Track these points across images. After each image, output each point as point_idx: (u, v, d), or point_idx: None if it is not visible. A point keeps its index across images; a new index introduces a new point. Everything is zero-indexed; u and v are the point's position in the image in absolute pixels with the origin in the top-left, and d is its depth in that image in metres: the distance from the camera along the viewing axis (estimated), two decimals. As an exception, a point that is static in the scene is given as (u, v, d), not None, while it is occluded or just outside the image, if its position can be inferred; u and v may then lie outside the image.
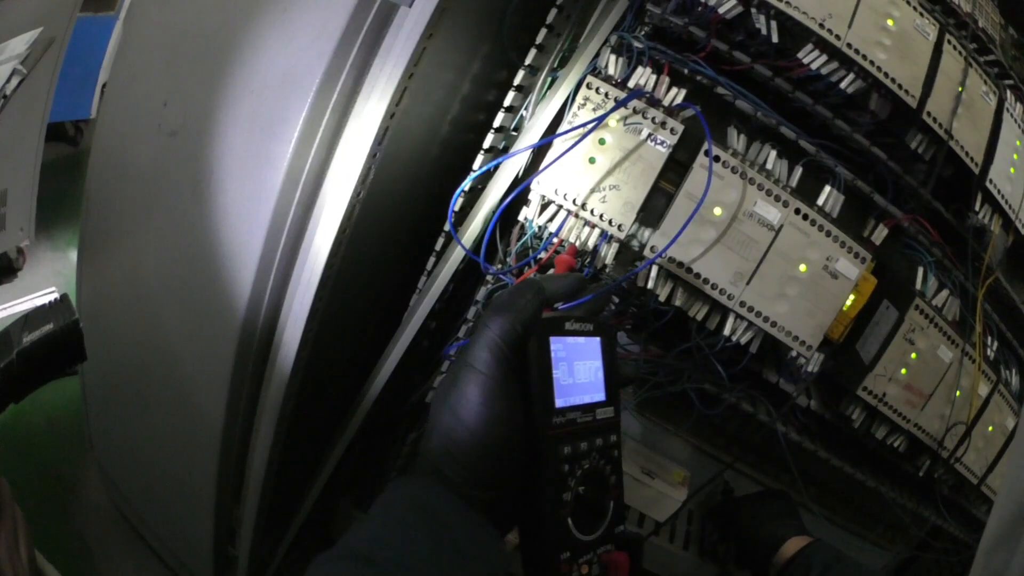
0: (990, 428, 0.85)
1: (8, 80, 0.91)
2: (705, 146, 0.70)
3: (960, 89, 0.80)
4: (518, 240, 0.77)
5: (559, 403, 0.50)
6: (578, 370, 0.52)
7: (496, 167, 0.79)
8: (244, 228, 0.73)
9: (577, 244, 0.72)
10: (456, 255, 0.79)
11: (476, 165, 0.79)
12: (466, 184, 0.78)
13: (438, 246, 0.82)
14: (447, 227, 0.80)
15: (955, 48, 0.81)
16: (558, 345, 0.51)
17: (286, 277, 0.76)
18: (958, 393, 0.81)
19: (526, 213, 0.75)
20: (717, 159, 0.71)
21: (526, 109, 0.80)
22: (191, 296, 0.81)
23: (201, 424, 0.87)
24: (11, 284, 1.40)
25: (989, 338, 0.85)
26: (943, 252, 0.82)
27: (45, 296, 1.36)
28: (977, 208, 0.81)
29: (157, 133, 0.78)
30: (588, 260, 0.73)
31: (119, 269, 0.88)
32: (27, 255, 1.44)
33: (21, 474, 1.08)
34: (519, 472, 0.49)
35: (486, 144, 0.79)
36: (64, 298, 0.62)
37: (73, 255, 1.44)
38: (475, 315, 0.82)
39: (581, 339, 0.53)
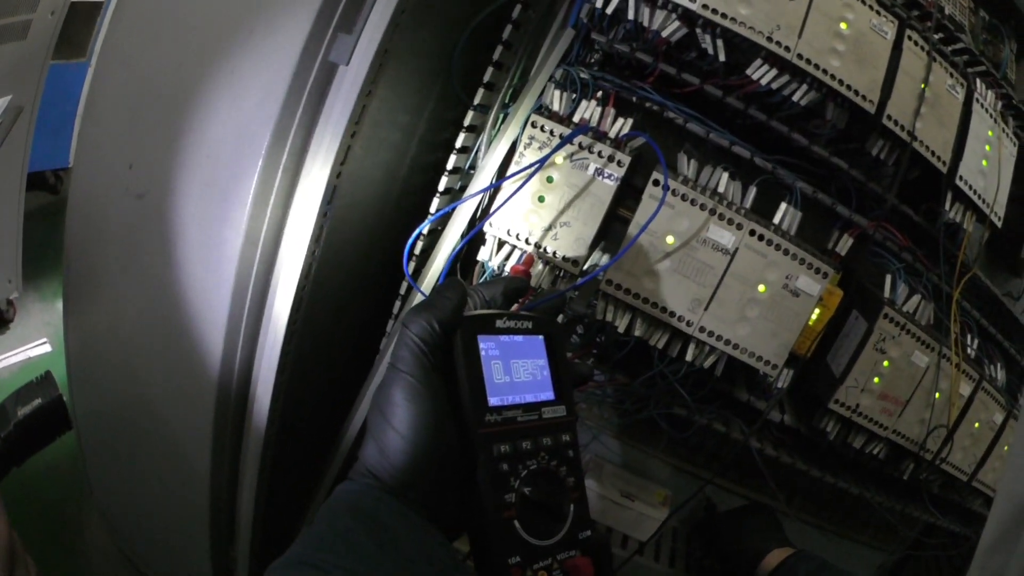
0: (976, 425, 0.84)
1: None
2: (654, 175, 0.70)
3: (923, 86, 0.77)
4: (478, 279, 0.78)
5: (493, 401, 0.50)
6: (516, 368, 0.52)
7: (452, 210, 0.80)
8: (211, 288, 0.76)
9: (535, 283, 0.73)
10: (420, 296, 0.80)
11: (433, 208, 0.80)
12: (423, 228, 0.79)
13: (402, 290, 0.83)
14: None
15: (916, 43, 0.78)
16: (490, 343, 0.51)
17: (255, 333, 0.78)
18: (937, 395, 0.80)
19: (483, 253, 0.76)
20: (667, 188, 0.70)
21: (479, 148, 0.81)
22: (169, 353, 0.84)
23: (189, 472, 0.91)
24: (3, 336, 1.43)
25: (969, 336, 0.83)
26: (913, 256, 0.80)
27: (37, 348, 1.41)
28: (948, 207, 0.79)
29: (125, 195, 0.81)
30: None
31: (102, 324, 0.92)
32: (16, 307, 1.46)
33: (25, 521, 1.13)
34: (457, 473, 0.49)
35: (441, 186, 0.79)
36: (48, 375, 0.68)
37: (60, 305, 1.46)
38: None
39: (519, 337, 0.53)
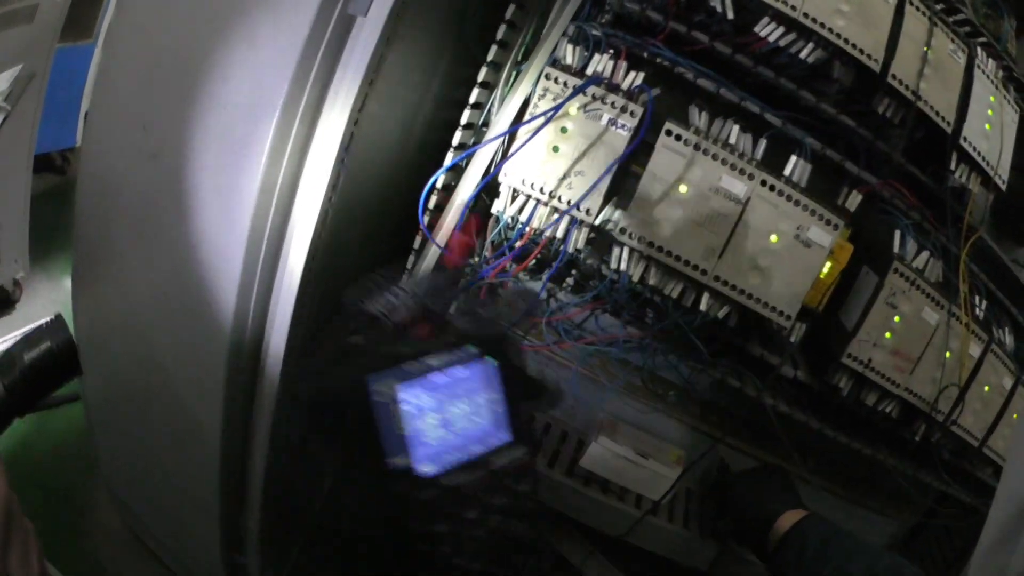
0: (986, 388, 0.84)
1: None
2: (667, 126, 0.71)
3: (926, 49, 0.79)
4: (492, 231, 0.79)
5: (426, 470, 0.39)
6: (457, 417, 0.41)
7: (467, 161, 0.81)
8: (225, 239, 0.76)
9: (548, 232, 0.73)
10: (434, 252, 0.81)
11: (448, 161, 0.81)
12: (437, 179, 0.80)
13: (416, 244, 0.84)
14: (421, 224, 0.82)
15: (918, 9, 0.80)
16: (415, 392, 0.39)
17: (269, 287, 0.78)
18: (948, 355, 0.80)
19: (498, 205, 0.77)
20: (679, 138, 0.71)
21: (492, 105, 0.82)
22: (181, 314, 0.84)
23: (200, 437, 0.90)
24: (10, 316, 1.43)
25: (977, 298, 0.84)
26: (922, 215, 0.81)
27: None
28: (953, 168, 0.81)
29: (139, 157, 0.81)
30: (559, 246, 0.75)
31: (112, 293, 0.92)
32: (23, 287, 1.46)
33: (32, 500, 1.11)
34: (394, 561, 0.41)
35: (455, 141, 0.80)
36: (58, 318, 0.66)
37: (68, 283, 1.46)
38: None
39: (461, 370, 0.41)
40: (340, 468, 0.39)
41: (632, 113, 0.71)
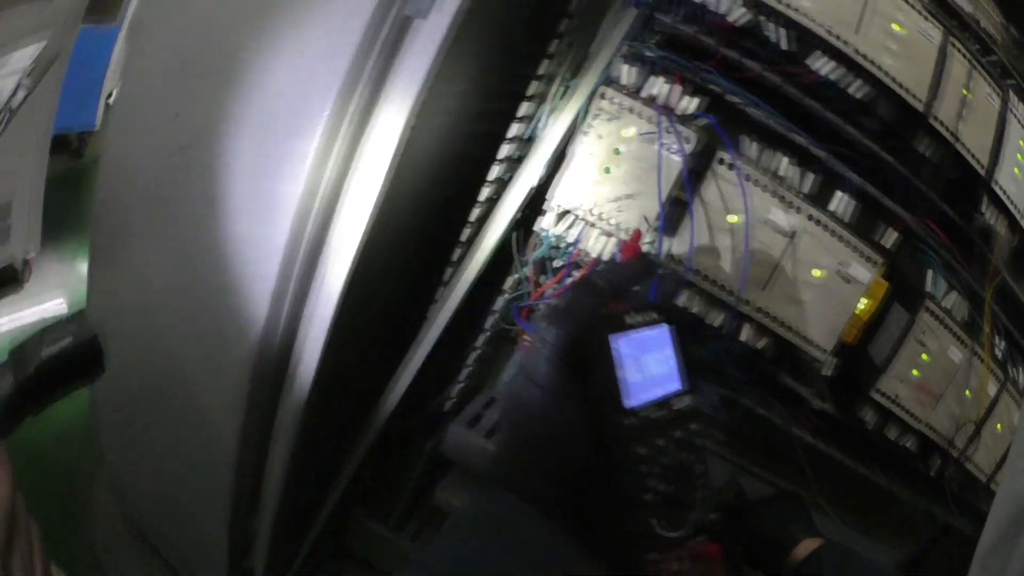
0: (999, 426, 0.86)
1: (14, 93, 0.90)
2: (719, 154, 0.71)
3: (965, 92, 0.81)
4: (534, 250, 0.78)
5: (631, 403, 0.49)
6: (648, 364, 0.51)
7: (511, 175, 0.80)
8: (260, 244, 0.73)
9: (594, 254, 0.73)
10: (475, 263, 0.79)
11: (491, 175, 0.79)
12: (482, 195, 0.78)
13: (455, 256, 0.82)
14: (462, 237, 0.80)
15: (959, 51, 0.82)
16: (621, 342, 0.49)
17: (302, 295, 0.75)
18: (968, 393, 0.82)
19: (542, 223, 0.76)
20: (731, 167, 0.71)
21: (539, 120, 0.81)
22: (204, 315, 0.80)
23: (215, 442, 0.86)
24: (17, 296, 1.40)
25: (996, 337, 0.86)
26: (951, 254, 0.83)
27: (52, 307, 1.36)
28: (983, 209, 0.83)
29: (169, 147, 0.78)
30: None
31: (130, 284, 0.88)
32: (33, 267, 1.43)
33: (32, 486, 1.06)
34: (595, 481, 0.48)
35: (501, 155, 0.79)
36: (82, 314, 0.61)
37: (80, 266, 1.43)
38: (492, 325, 0.82)
39: (648, 331, 0.52)
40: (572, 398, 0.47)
41: (687, 139, 0.70)
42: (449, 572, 0.44)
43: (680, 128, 0.70)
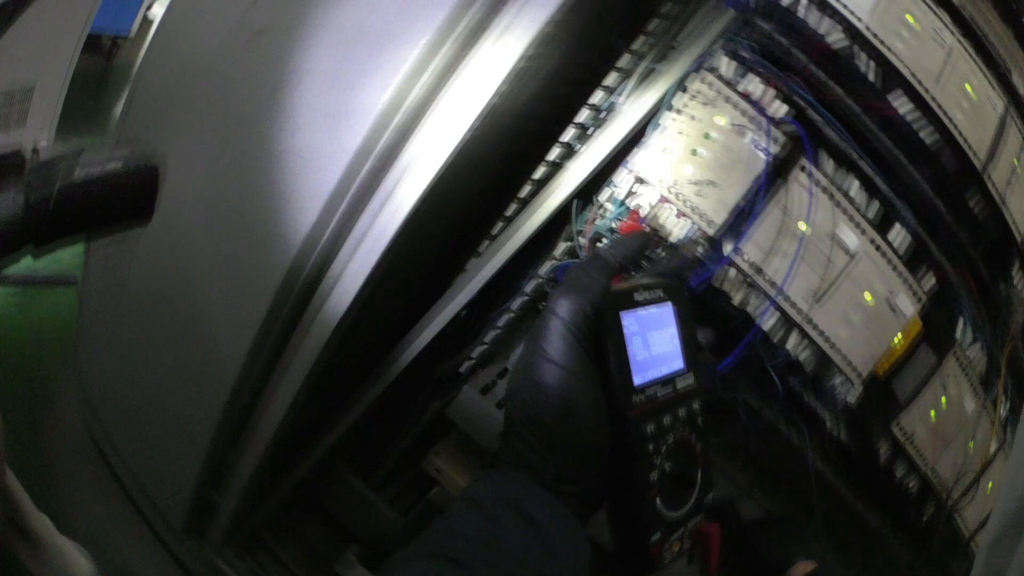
0: (990, 485, 0.89)
1: None
2: (801, 162, 0.72)
3: (1016, 162, 0.86)
4: (594, 221, 0.76)
5: (637, 381, 0.49)
6: (653, 342, 0.51)
7: (582, 145, 0.78)
8: (322, 154, 0.69)
9: (663, 234, 0.72)
10: (529, 223, 0.77)
11: (567, 137, 0.78)
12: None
13: (508, 212, 0.79)
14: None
15: (1015, 124, 0.87)
16: (630, 319, 0.50)
17: (351, 216, 0.71)
18: (971, 445, 0.85)
19: (611, 192, 0.74)
20: (810, 176, 0.72)
21: (619, 94, 0.80)
22: (239, 220, 0.75)
23: (215, 363, 0.79)
24: None
25: (1003, 398, 0.90)
26: (978, 310, 0.86)
27: None
28: (1013, 275, 0.87)
29: (240, 28, 0.72)
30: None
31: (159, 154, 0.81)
32: (42, 156, 1.30)
33: None
34: (604, 459, 0.48)
35: (579, 119, 0.78)
36: (142, 143, 0.52)
37: None
38: (534, 289, 0.80)
39: (653, 308, 0.52)
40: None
41: (775, 139, 0.71)
42: (454, 551, 0.41)
43: (773, 129, 0.71)
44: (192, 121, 0.79)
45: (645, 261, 0.65)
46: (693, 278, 0.71)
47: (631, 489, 0.47)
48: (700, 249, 0.69)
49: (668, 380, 0.51)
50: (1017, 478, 0.51)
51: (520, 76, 0.65)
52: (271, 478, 0.89)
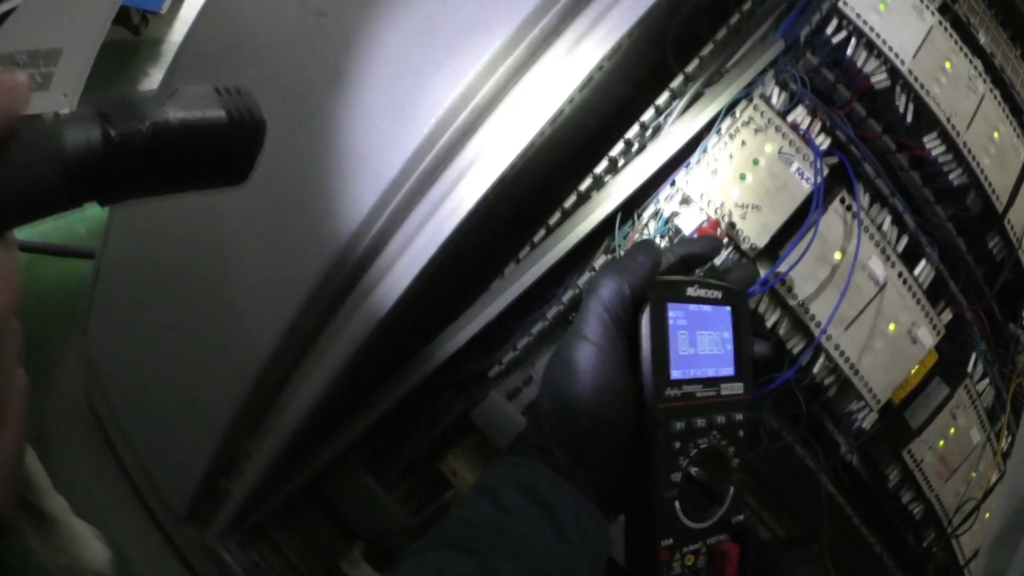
0: (987, 515, 0.93)
1: None
2: (841, 194, 0.75)
3: (1032, 208, 0.90)
4: (635, 236, 0.77)
5: (675, 374, 0.48)
6: (701, 340, 0.50)
7: (628, 160, 0.80)
8: (382, 144, 0.69)
9: (737, 244, 0.73)
10: (573, 234, 0.78)
11: (613, 152, 0.79)
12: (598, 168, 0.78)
13: (551, 220, 0.80)
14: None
15: (1033, 172, 0.91)
16: (678, 312, 0.49)
17: (405, 209, 0.71)
18: (974, 475, 0.89)
19: (656, 208, 0.76)
20: (850, 208, 0.75)
21: (670, 113, 0.82)
22: (287, 201, 0.74)
23: (244, 343, 0.79)
24: None
25: (1006, 431, 0.93)
26: (989, 348, 0.90)
27: None
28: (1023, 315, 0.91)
29: (300, 6, 0.72)
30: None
31: None
32: None
33: None
34: (629, 449, 0.47)
35: (628, 135, 0.79)
36: (247, 91, 0.38)
37: None
38: (570, 299, 0.81)
39: (707, 307, 0.51)
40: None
41: (819, 170, 0.74)
42: (468, 540, 0.41)
43: (818, 161, 0.73)
44: (248, 84, 0.77)
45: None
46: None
47: (646, 483, 0.46)
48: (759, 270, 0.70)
49: (712, 382, 0.50)
50: (1018, 479, 0.52)
51: (590, 86, 0.66)
52: (286, 468, 0.87)
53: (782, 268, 0.73)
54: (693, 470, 0.47)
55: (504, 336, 0.87)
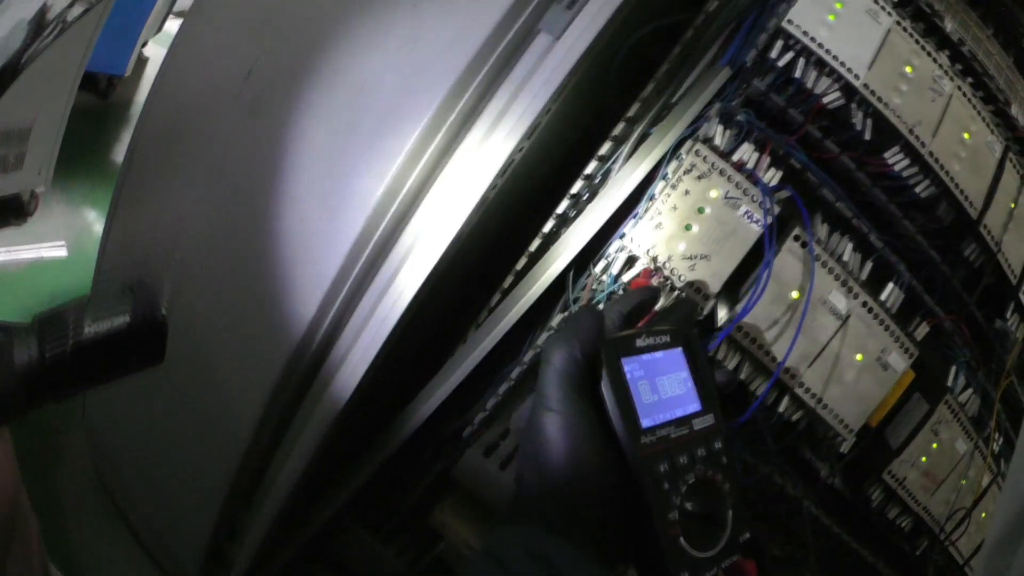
0: (983, 515, 0.92)
1: (71, 5, 0.80)
2: (795, 231, 0.72)
3: (1012, 204, 0.85)
4: (590, 289, 0.77)
5: (646, 423, 0.49)
6: (662, 385, 0.52)
7: (577, 214, 0.79)
8: (323, 238, 0.70)
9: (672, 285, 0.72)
10: (528, 295, 0.78)
11: (561, 208, 0.78)
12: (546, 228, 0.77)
13: (506, 284, 0.80)
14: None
15: (1014, 165, 0.86)
16: (633, 365, 0.50)
17: (355, 296, 0.72)
18: (964, 482, 0.88)
19: (606, 264, 0.75)
20: (804, 245, 0.73)
21: (615, 161, 0.80)
22: (246, 293, 0.76)
23: (226, 427, 0.82)
24: (19, 228, 1.31)
25: (996, 434, 0.91)
26: (972, 353, 0.87)
27: (52, 249, 1.26)
28: (1007, 315, 0.88)
29: (234, 104, 0.72)
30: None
31: (160, 236, 0.82)
32: (40, 201, 1.34)
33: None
34: (619, 497, 0.48)
35: (573, 190, 0.78)
36: (148, 287, 0.51)
37: (87, 211, 1.34)
38: (531, 359, 0.81)
39: (659, 353, 0.53)
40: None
41: (769, 211, 0.71)
42: None
43: (767, 201, 0.71)
44: (195, 187, 0.79)
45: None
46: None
47: (648, 528, 0.47)
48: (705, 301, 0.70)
49: (683, 420, 0.51)
50: (1019, 482, 0.51)
51: (510, 169, 0.65)
52: (283, 533, 0.92)
53: (737, 309, 0.73)
54: (688, 504, 0.48)
55: (473, 398, 0.89)
